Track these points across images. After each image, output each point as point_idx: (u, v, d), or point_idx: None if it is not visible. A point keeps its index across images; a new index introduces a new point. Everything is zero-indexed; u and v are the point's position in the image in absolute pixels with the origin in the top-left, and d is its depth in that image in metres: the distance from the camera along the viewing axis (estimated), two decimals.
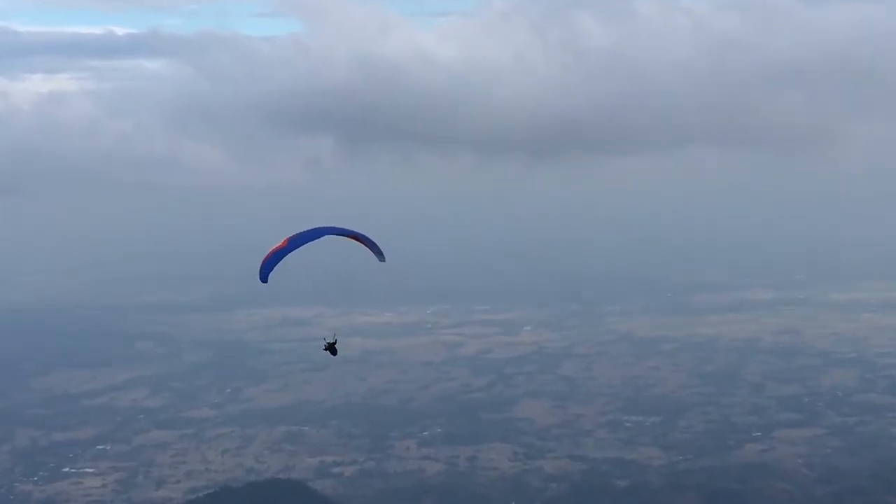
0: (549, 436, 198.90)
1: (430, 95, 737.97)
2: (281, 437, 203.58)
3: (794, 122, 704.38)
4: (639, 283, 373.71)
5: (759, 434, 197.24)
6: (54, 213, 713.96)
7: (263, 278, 59.62)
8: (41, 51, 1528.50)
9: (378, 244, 62.01)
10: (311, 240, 59.50)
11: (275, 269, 60.18)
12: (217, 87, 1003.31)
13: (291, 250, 59.12)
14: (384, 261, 62.59)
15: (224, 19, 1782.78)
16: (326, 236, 60.81)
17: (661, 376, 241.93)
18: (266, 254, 59.26)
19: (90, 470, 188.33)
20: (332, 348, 66.00)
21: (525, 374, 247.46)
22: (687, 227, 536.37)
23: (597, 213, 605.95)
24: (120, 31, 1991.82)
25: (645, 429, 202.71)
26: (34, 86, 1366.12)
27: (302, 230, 60.56)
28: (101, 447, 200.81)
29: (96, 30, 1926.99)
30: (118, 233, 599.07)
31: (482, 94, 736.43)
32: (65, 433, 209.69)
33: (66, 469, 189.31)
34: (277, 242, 59.59)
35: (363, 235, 61.09)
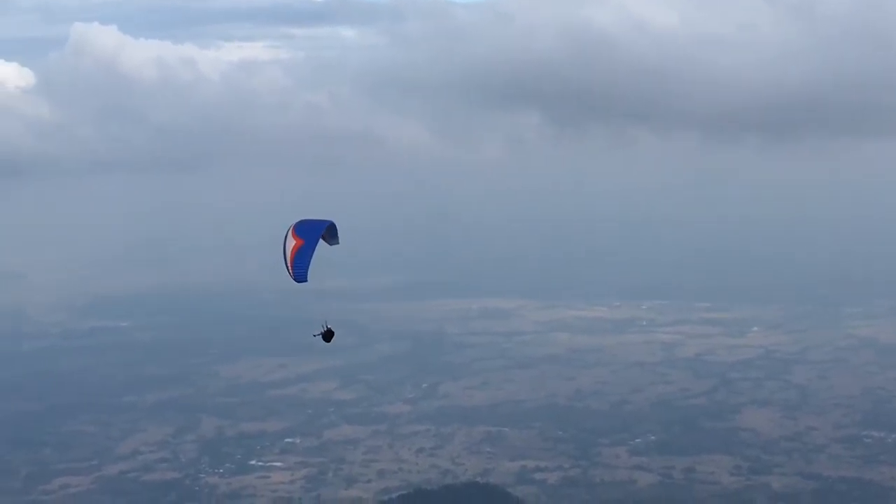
0: (776, 449, 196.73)
1: (645, 68, 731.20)
2: (480, 437, 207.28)
3: None
4: (885, 282, 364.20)
5: None
6: (239, 189, 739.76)
7: (302, 278, 60.47)
8: (237, 17, 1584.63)
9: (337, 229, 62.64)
10: (322, 231, 60.97)
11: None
12: (414, 58, 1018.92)
13: (314, 246, 60.50)
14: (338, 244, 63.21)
15: None
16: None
17: None
18: (288, 255, 60.16)
19: (278, 464, 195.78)
20: (326, 335, 66.63)
21: (751, 379, 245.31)
22: None
23: (837, 201, 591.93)
24: None
25: (887, 446, 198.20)
26: (225, 54, 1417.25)
27: (295, 222, 61.49)
28: (289, 440, 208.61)
29: None
30: (304, 212, 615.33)
31: (704, 66, 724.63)
32: (252, 424, 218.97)
33: (253, 462, 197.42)
34: (290, 240, 60.11)
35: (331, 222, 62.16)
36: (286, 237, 59.83)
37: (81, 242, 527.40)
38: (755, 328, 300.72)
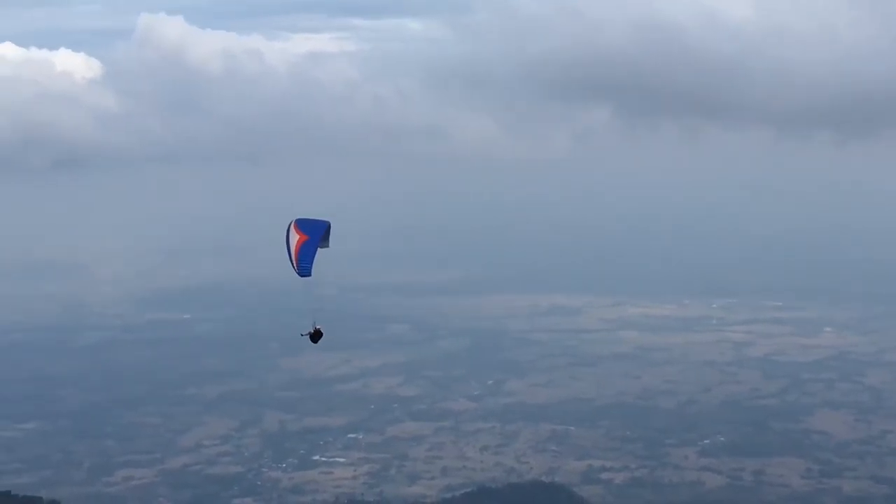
0: (848, 452, 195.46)
1: (719, 63, 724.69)
2: (545, 436, 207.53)
3: None
4: None
5: None
6: (303, 182, 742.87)
7: (306, 273, 61.59)
8: (303, 8, 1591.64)
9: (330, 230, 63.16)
10: (323, 229, 61.81)
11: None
12: (480, 51, 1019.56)
13: (317, 242, 61.40)
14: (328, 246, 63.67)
15: None
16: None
17: None
18: (293, 249, 61.24)
19: (341, 459, 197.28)
20: (314, 336, 67.55)
21: (823, 381, 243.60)
22: None
23: None
24: None
25: None
26: (293, 46, 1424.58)
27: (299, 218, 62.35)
28: (352, 436, 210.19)
29: None
30: (369, 206, 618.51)
31: (779, 61, 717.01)
32: (315, 419, 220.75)
33: (316, 457, 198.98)
34: (294, 234, 61.11)
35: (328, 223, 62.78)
36: (288, 232, 61.03)
37: (144, 234, 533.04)
38: (828, 328, 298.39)
